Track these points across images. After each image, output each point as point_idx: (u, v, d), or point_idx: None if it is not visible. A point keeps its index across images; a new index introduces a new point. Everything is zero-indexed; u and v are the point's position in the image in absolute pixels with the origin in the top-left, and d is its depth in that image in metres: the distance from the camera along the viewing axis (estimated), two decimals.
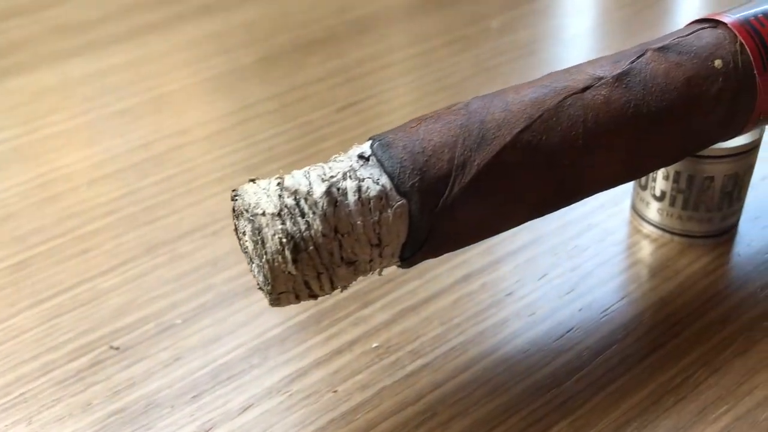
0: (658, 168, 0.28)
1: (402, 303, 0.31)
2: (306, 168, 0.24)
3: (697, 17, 0.29)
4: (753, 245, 0.32)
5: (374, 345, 0.29)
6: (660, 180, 0.32)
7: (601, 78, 0.26)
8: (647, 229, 0.33)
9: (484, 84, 0.46)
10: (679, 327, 0.29)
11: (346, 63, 0.50)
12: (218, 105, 0.46)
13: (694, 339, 0.28)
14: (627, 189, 0.35)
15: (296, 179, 0.23)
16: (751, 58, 0.27)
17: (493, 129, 0.24)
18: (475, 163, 0.24)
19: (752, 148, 0.30)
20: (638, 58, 0.26)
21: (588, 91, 0.25)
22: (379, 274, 0.25)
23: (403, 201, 0.23)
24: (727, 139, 0.29)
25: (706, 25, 0.28)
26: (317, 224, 0.22)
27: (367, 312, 0.30)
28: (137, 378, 0.28)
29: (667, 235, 0.33)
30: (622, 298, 0.30)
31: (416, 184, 0.23)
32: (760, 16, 0.28)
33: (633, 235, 0.33)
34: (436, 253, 0.25)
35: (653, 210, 0.33)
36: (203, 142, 0.42)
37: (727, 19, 0.27)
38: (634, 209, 0.34)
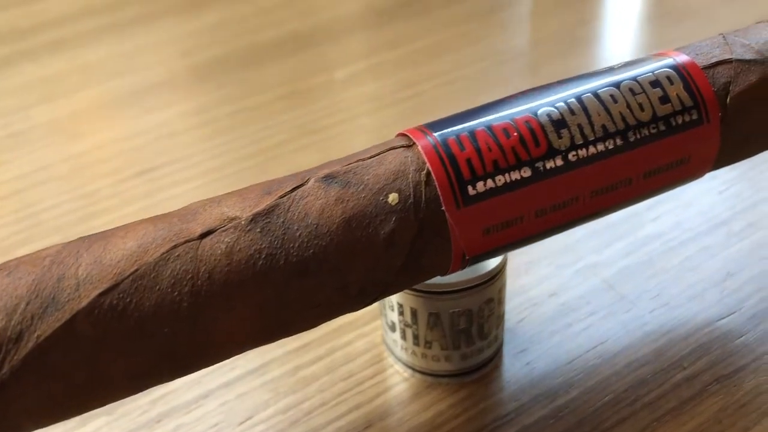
0: (325, 321, 0.23)
1: None
2: None
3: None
4: (507, 388, 0.27)
5: None
6: (387, 309, 0.27)
7: (233, 219, 0.21)
8: (390, 359, 0.28)
9: (297, 153, 0.41)
10: None
11: (167, 118, 0.45)
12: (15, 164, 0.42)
13: None
14: None
15: None
16: (439, 192, 0.21)
17: (70, 289, 0.19)
18: (35, 335, 0.19)
19: (484, 282, 0.25)
20: (294, 189, 0.21)
21: (208, 237, 0.20)
22: None
23: None
24: (438, 276, 0.23)
25: (401, 144, 0.23)
26: None
27: None
28: None
29: (410, 370, 0.28)
30: None
31: None
32: (463, 135, 0.22)
33: (376, 363, 0.28)
34: None
35: (390, 340, 0.28)
36: None
37: (422, 139, 0.22)
38: (383, 335, 0.29)
